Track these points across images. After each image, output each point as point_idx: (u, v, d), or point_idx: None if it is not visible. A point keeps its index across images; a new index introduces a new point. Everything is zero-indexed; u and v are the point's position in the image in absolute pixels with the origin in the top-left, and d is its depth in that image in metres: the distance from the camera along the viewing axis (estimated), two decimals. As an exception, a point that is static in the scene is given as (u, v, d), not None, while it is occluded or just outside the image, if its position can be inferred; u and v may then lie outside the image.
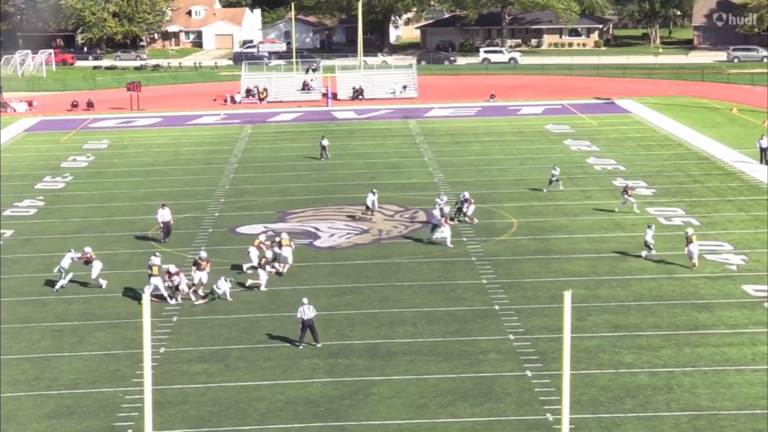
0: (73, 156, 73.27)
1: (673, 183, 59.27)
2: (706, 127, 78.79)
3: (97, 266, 41.81)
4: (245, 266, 43.35)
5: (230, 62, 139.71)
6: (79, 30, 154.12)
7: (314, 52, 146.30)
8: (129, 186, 62.71)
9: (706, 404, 29.96)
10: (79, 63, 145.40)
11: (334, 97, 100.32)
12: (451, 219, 49.68)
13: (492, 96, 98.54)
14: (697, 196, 56.31)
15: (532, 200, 55.79)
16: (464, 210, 51.07)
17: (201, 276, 40.27)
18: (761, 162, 63.77)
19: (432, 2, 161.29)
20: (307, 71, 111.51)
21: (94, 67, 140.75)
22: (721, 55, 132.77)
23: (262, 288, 41.24)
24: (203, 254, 41.76)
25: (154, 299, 38.37)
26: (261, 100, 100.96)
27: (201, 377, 32.74)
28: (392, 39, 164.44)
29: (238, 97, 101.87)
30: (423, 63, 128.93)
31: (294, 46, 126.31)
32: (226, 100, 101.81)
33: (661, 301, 39.08)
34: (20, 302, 40.61)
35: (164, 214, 48.91)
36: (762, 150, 64.32)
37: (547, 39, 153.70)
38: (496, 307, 38.67)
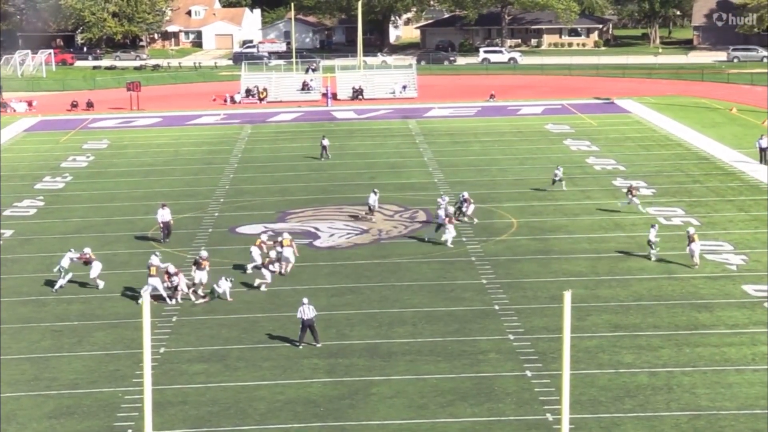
0: (73, 156, 73.28)
1: (672, 183, 59.27)
2: (705, 127, 78.81)
3: (96, 267, 41.78)
4: (249, 266, 43.25)
5: (230, 62, 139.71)
6: (79, 30, 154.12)
7: (314, 52, 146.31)
8: (129, 186, 62.72)
9: (706, 404, 29.96)
10: (78, 63, 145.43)
11: (334, 97, 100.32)
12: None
13: (492, 96, 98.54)
14: (696, 196, 56.32)
15: (531, 200, 55.79)
16: (464, 210, 51.09)
17: (201, 276, 40.26)
18: (761, 162, 63.78)
19: (432, 2, 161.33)
20: (306, 71, 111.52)
21: (94, 67, 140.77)
22: (721, 55, 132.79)
23: (263, 288, 41.23)
24: (204, 254, 41.78)
25: (152, 300, 38.33)
26: (261, 100, 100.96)
27: (201, 377, 32.74)
28: (392, 39, 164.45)
29: (237, 97, 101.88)
30: (423, 63, 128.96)
31: (294, 46, 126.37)
32: (225, 100, 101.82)
33: (660, 301, 39.08)
34: (20, 302, 40.61)
35: (164, 214, 48.90)
36: (761, 150, 64.33)
37: (547, 39, 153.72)
38: (496, 307, 38.67)
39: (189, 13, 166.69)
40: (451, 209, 49.23)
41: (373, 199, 52.55)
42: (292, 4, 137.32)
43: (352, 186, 60.74)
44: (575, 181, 59.88)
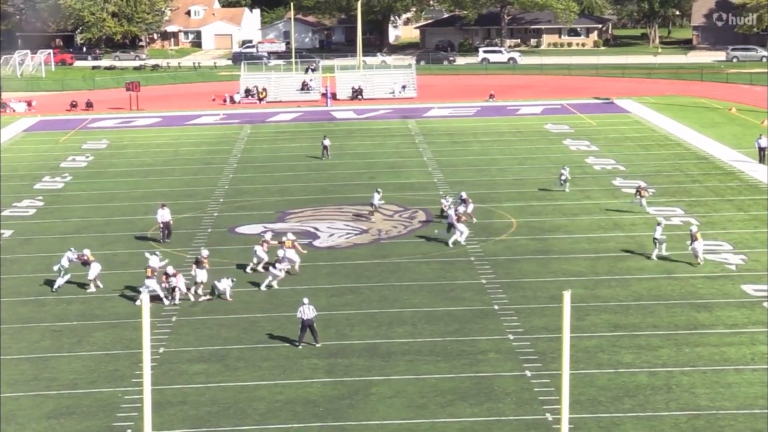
0: (72, 156, 73.28)
1: (672, 183, 59.28)
2: (705, 127, 78.82)
3: (95, 268, 41.72)
4: (258, 265, 43.21)
5: (229, 62, 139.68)
6: (78, 30, 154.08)
7: (313, 52, 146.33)
8: (128, 186, 62.72)
9: (706, 404, 29.97)
10: (78, 63, 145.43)
11: (334, 97, 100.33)
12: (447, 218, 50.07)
13: (491, 96, 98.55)
14: (696, 195, 56.33)
15: (531, 200, 55.80)
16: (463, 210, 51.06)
17: (201, 275, 40.26)
18: (760, 161, 63.80)
19: (431, 2, 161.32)
20: (306, 71, 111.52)
21: (93, 67, 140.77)
22: (720, 55, 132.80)
23: (263, 287, 41.24)
24: (205, 253, 41.80)
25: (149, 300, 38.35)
26: (260, 100, 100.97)
27: (200, 377, 32.75)
28: (391, 39, 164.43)
29: (237, 97, 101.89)
30: (422, 63, 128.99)
31: (293, 46, 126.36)
32: (225, 100, 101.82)
33: (660, 300, 39.08)
34: (19, 302, 40.60)
35: (164, 215, 48.90)
36: (761, 149, 64.37)
37: (546, 39, 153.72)
38: (496, 307, 38.68)
39: (188, 13, 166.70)
40: (461, 208, 49.08)
41: (376, 199, 52.63)
42: (292, 4, 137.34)
43: (351, 186, 60.75)
44: (575, 181, 59.82)
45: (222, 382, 32.27)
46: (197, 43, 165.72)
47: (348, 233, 50.09)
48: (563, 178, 57.55)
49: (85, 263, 41.86)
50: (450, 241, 46.84)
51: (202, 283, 40.29)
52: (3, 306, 39.87)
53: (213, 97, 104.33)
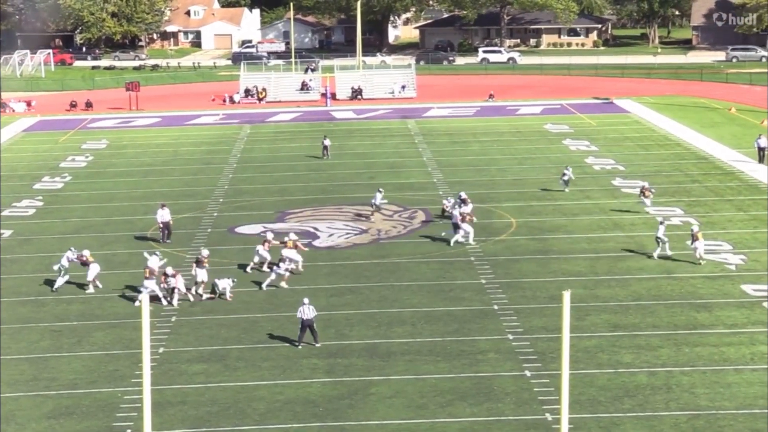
0: (72, 156, 73.28)
1: (671, 183, 59.27)
2: (704, 127, 78.83)
3: (93, 269, 41.66)
4: (263, 265, 43.23)
5: (229, 62, 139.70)
6: (78, 30, 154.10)
7: (313, 52, 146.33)
8: (128, 186, 62.72)
9: (705, 404, 29.97)
10: (77, 63, 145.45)
11: (333, 97, 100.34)
12: (449, 218, 50.01)
13: (491, 96, 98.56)
14: (695, 195, 56.34)
15: (530, 200, 55.80)
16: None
17: (202, 274, 40.27)
18: (759, 161, 63.81)
19: (431, 2, 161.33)
20: (305, 71, 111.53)
21: (93, 67, 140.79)
22: (720, 55, 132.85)
23: (264, 285, 41.28)
24: (205, 252, 41.80)
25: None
26: (260, 100, 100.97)
27: (200, 377, 32.74)
28: (391, 39, 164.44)
29: (236, 97, 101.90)
30: (422, 63, 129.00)
31: (293, 46, 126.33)
32: (224, 100, 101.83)
33: (659, 300, 39.08)
34: (19, 302, 40.59)
35: (164, 215, 48.89)
36: (760, 149, 64.38)
37: (546, 39, 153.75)
38: (495, 307, 38.67)
39: (188, 13, 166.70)
40: (467, 208, 48.97)
41: (378, 198, 52.67)
42: (291, 4, 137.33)
43: (351, 186, 60.76)
44: (574, 180, 59.82)
45: (222, 382, 32.27)
46: (197, 43, 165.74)
47: (347, 233, 50.10)
48: (566, 178, 57.51)
49: (84, 264, 41.84)
50: (452, 241, 46.84)
51: (203, 282, 40.30)
52: (3, 306, 39.85)
53: (213, 97, 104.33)
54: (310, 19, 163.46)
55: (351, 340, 35.69)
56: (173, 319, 38.17)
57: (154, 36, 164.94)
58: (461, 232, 46.85)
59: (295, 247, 43.47)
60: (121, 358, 34.36)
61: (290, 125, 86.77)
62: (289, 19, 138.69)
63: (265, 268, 43.24)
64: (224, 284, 40.13)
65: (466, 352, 34.23)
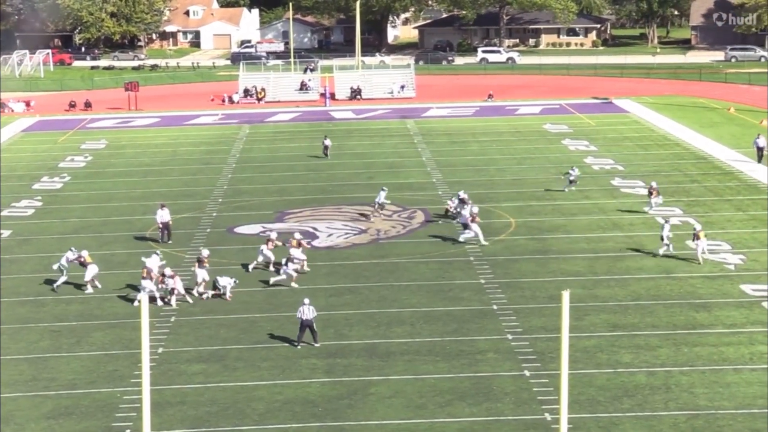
0: (71, 156, 73.27)
1: (670, 183, 59.26)
2: (703, 127, 78.85)
3: (91, 270, 41.65)
4: (268, 266, 43.22)
5: (228, 62, 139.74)
6: (77, 30, 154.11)
7: (312, 52, 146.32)
8: (127, 186, 62.70)
9: (704, 404, 29.97)
10: (76, 63, 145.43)
11: (332, 97, 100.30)
12: (453, 218, 50.08)
13: (490, 96, 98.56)
14: (694, 195, 56.35)
15: (530, 200, 55.81)
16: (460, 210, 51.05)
17: (203, 274, 40.27)
18: (758, 161, 63.81)
19: (430, 2, 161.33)
20: (305, 71, 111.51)
21: (92, 67, 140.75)
22: (719, 55, 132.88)
23: (272, 280, 41.36)
24: (205, 252, 41.80)
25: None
26: (259, 100, 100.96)
27: (199, 377, 32.74)
28: (390, 39, 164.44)
29: (236, 97, 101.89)
30: (421, 63, 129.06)
31: (292, 46, 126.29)
32: (224, 100, 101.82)
33: (659, 300, 39.09)
34: (18, 303, 40.59)
35: (163, 215, 48.88)
36: (759, 149, 64.39)
37: (545, 39, 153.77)
38: (494, 307, 38.67)
39: (187, 13, 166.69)
40: (476, 209, 48.92)
41: (382, 197, 52.71)
42: (291, 4, 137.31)
43: (350, 186, 60.75)
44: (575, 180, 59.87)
45: (221, 382, 32.26)
46: (196, 43, 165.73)
47: (347, 233, 50.10)
48: (572, 177, 57.43)
49: (83, 264, 41.81)
50: (461, 238, 46.91)
51: (204, 281, 40.29)
52: (2, 306, 39.85)
53: (212, 97, 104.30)
54: (309, 19, 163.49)
55: (350, 340, 35.69)
56: (172, 319, 38.17)
57: (153, 36, 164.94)
58: (471, 233, 46.84)
59: (299, 245, 43.49)
60: (120, 359, 34.36)
61: (289, 125, 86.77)
62: (288, 19, 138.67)
63: (271, 268, 43.23)
64: (225, 282, 40.15)
65: (465, 352, 34.23)
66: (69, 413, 30.36)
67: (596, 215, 52.26)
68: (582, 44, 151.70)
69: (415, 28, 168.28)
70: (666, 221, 45.39)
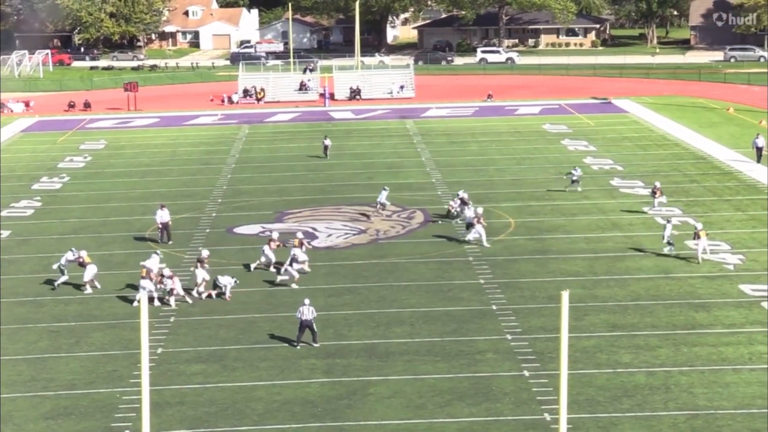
0: (70, 156, 73.25)
1: (670, 183, 59.22)
2: (703, 127, 78.85)
3: (90, 270, 41.63)
4: (269, 266, 43.20)
5: (227, 62, 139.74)
6: (76, 30, 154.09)
7: (311, 52, 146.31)
8: (126, 186, 62.68)
9: (704, 404, 29.97)
10: (76, 63, 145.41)
11: (332, 97, 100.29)
12: (453, 218, 50.10)
13: (489, 96, 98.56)
14: (694, 195, 56.35)
15: (529, 200, 55.80)
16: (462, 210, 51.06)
17: (203, 274, 40.26)
18: (757, 161, 63.81)
19: (429, 2, 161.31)
20: (304, 71, 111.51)
21: (91, 68, 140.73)
22: (718, 55, 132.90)
23: (279, 278, 41.37)
24: (205, 253, 41.79)
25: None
26: (258, 100, 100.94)
27: (198, 378, 32.73)
28: (389, 39, 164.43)
29: (235, 98, 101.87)
30: (420, 63, 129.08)
31: (291, 46, 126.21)
32: (223, 101, 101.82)
33: (658, 300, 39.08)
34: (17, 303, 40.57)
35: (163, 215, 48.87)
36: (758, 149, 64.40)
37: (544, 39, 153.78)
38: (494, 307, 38.66)
39: (186, 13, 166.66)
40: (480, 209, 48.92)
41: (384, 196, 52.72)
42: (290, 5, 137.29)
43: (349, 186, 60.74)
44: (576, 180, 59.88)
45: (220, 383, 32.25)
46: (195, 44, 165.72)
47: (346, 233, 50.09)
48: (574, 177, 57.40)
49: (82, 265, 41.80)
50: (468, 237, 46.93)
51: (204, 281, 40.28)
52: (1, 306, 39.83)
53: (211, 97, 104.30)
54: (308, 19, 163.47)
55: (349, 340, 35.67)
56: (172, 319, 38.15)
57: (153, 36, 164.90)
58: (476, 234, 46.85)
59: (301, 245, 43.51)
60: (120, 359, 34.34)
61: (289, 125, 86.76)
62: (288, 19, 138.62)
63: (271, 269, 43.23)
64: (225, 281, 40.15)
65: (465, 352, 34.22)
66: (68, 414, 30.34)
67: (596, 215, 52.25)
68: (581, 44, 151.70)
69: (414, 28, 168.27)
70: (668, 221, 45.39)
